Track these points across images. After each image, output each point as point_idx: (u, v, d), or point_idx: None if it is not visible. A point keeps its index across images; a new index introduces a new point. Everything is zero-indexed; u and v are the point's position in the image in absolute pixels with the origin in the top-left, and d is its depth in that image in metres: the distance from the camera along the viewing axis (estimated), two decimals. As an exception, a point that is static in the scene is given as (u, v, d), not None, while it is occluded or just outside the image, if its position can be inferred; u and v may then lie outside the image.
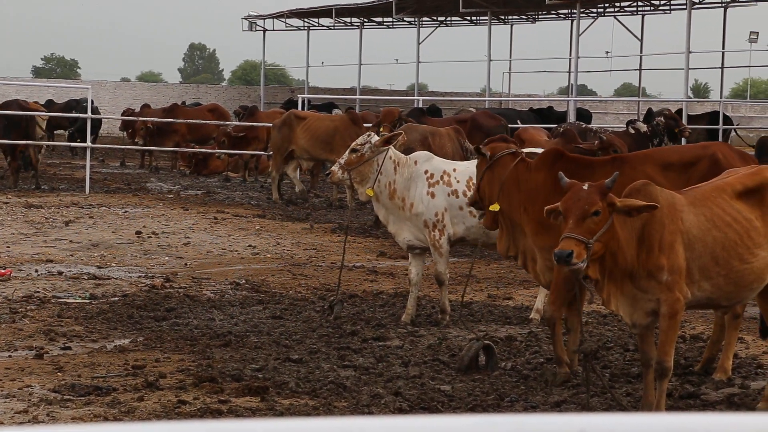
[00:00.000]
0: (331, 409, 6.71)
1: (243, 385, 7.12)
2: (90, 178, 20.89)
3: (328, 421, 2.00)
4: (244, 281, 11.39)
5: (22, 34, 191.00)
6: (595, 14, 39.31)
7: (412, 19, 41.40)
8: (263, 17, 45.04)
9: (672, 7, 37.33)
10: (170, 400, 6.78)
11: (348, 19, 44.07)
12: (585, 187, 6.21)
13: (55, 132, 31.59)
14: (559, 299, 7.53)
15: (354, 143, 9.64)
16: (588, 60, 41.03)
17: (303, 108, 25.54)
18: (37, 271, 11.64)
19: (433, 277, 9.97)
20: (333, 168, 9.65)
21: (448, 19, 42.34)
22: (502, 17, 41.51)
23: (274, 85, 59.81)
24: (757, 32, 41.97)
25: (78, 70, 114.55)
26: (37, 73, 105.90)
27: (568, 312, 7.69)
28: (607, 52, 41.44)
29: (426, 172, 9.49)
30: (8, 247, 13.32)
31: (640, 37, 37.72)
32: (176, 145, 26.24)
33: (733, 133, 28.54)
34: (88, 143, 21.64)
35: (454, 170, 9.56)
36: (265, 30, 45.29)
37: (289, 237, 15.23)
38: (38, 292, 10.45)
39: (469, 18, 41.52)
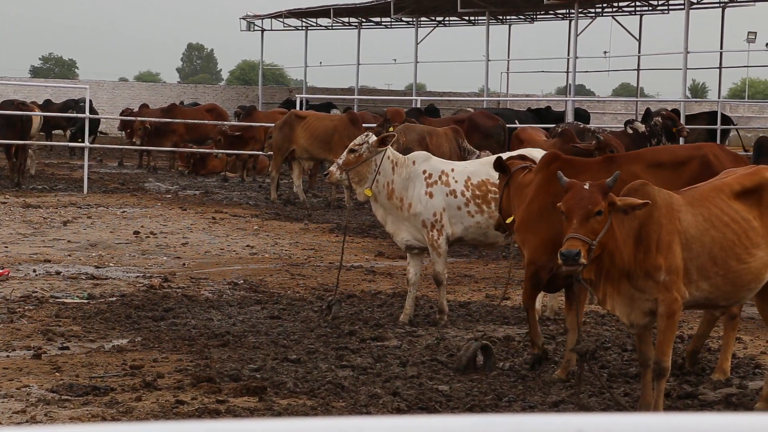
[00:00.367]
0: (329, 409, 6.71)
1: (241, 385, 7.11)
2: (88, 178, 20.89)
3: (326, 421, 2.00)
4: (242, 281, 11.39)
5: (20, 34, 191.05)
6: (593, 14, 39.30)
7: (411, 19, 41.37)
8: (261, 17, 45.02)
9: (670, 7, 37.35)
10: (168, 400, 6.78)
11: (346, 19, 44.07)
12: (586, 186, 6.21)
13: (53, 132, 31.56)
14: (530, 292, 7.90)
15: (352, 143, 9.64)
16: (586, 60, 41.04)
17: (301, 108, 25.52)
18: (35, 271, 11.64)
19: (431, 277, 9.97)
20: (331, 168, 9.64)
21: (447, 19, 42.33)
22: (501, 17, 41.51)
23: (272, 85, 59.82)
24: (755, 32, 42.06)
25: (76, 70, 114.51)
26: (35, 73, 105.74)
27: (567, 311, 7.72)
28: (605, 52, 41.42)
29: (424, 172, 9.49)
30: (6, 247, 13.31)
31: (638, 37, 37.72)
32: (174, 145, 26.21)
33: (733, 133, 28.51)
34: (86, 143, 21.65)
35: (453, 170, 9.56)
36: (263, 30, 45.30)
37: (287, 237, 15.23)
38: (36, 292, 10.44)
39: (467, 18, 41.51)
